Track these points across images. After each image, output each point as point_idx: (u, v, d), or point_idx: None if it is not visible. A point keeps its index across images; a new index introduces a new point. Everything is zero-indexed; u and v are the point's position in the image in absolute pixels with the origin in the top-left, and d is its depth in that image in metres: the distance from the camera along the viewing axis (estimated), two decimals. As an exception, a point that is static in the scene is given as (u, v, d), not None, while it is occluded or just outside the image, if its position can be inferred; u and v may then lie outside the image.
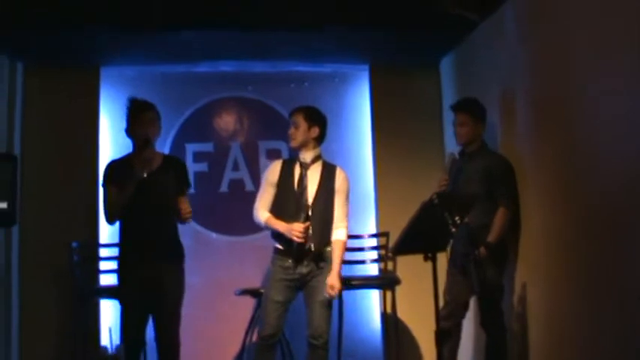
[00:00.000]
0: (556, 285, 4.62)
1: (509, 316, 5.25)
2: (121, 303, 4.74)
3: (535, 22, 4.91)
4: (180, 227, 6.30)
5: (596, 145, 4.09)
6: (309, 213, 4.84)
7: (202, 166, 6.54)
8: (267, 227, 4.98)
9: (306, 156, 4.96)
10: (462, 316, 5.08)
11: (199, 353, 6.12)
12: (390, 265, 6.06)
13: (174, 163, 4.95)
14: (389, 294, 5.83)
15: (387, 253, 6.01)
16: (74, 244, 5.73)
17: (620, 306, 3.88)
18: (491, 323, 4.95)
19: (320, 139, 5.01)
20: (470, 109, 5.13)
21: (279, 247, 4.91)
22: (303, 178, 4.93)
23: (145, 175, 4.58)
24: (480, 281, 4.59)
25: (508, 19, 5.30)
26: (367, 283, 6.01)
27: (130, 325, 4.67)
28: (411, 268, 5.28)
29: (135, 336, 4.68)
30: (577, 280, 4.36)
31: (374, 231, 6.50)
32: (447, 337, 4.80)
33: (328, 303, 4.88)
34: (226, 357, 6.23)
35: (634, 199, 3.71)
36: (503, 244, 4.97)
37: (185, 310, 6.18)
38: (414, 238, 4.23)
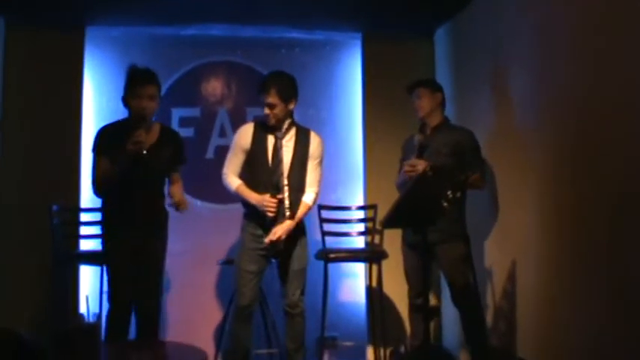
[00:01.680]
0: (547, 264, 4.56)
1: (497, 294, 5.21)
2: (111, 267, 4.64)
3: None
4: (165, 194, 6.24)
5: (599, 124, 3.99)
6: (285, 183, 4.77)
7: (188, 132, 6.41)
8: (236, 195, 4.90)
9: (282, 126, 4.86)
10: (428, 291, 5.03)
11: (182, 321, 6.07)
12: (377, 239, 5.97)
13: (171, 138, 4.83)
14: (375, 267, 5.74)
15: (375, 225, 5.92)
16: (54, 208, 5.59)
17: (611, 288, 3.83)
18: (461, 299, 4.94)
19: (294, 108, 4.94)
20: (423, 82, 5.20)
21: (249, 213, 4.83)
22: (278, 150, 4.83)
23: (144, 152, 4.45)
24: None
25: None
26: (353, 255, 5.92)
27: (120, 289, 4.59)
28: (398, 241, 5.21)
29: (125, 300, 4.59)
30: (568, 260, 4.30)
31: (362, 203, 6.41)
32: (422, 312, 4.76)
33: (303, 272, 4.83)
34: (209, 325, 6.18)
35: (633, 183, 3.64)
36: (461, 216, 4.93)
37: (169, 278, 6.15)
38: (405, 211, 4.15)
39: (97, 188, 4.63)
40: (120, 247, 4.58)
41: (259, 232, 4.82)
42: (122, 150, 4.42)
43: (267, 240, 4.76)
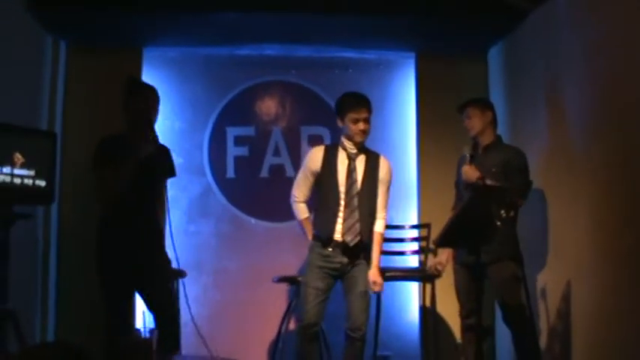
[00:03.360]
0: (601, 283, 4.51)
1: (551, 316, 5.16)
2: (107, 287, 4.63)
3: (590, 9, 4.75)
4: (220, 212, 6.33)
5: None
6: (356, 205, 4.77)
7: (243, 151, 6.49)
8: (299, 223, 4.95)
9: (356, 145, 4.87)
10: (481, 312, 4.99)
11: (235, 340, 6.10)
12: (430, 258, 5.94)
13: (165, 149, 4.86)
14: (428, 287, 5.72)
15: (428, 244, 5.91)
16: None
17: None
18: (512, 319, 4.91)
19: None
20: (473, 101, 5.19)
21: (318, 234, 4.84)
22: (352, 170, 4.84)
23: (151, 150, 4.52)
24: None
25: (561, 6, 5.16)
26: (407, 275, 5.91)
27: (120, 309, 4.64)
28: (452, 261, 5.19)
29: (125, 320, 4.67)
30: (624, 280, 4.24)
31: (415, 222, 6.40)
32: (474, 332, 4.85)
33: (367, 294, 4.80)
34: (262, 344, 6.19)
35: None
36: (514, 235, 4.87)
37: (221, 296, 6.21)
38: (459, 230, 4.15)
39: (105, 198, 4.62)
40: (117, 265, 4.58)
41: (327, 252, 4.80)
42: (127, 153, 4.48)
43: (370, 291, 4.80)
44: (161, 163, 4.69)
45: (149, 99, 4.66)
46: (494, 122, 5.13)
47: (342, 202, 4.79)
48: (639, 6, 4.11)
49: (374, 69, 6.74)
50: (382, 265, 5.69)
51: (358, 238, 4.77)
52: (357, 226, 4.77)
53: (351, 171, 4.83)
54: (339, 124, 4.90)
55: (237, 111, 6.57)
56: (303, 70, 6.67)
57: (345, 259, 4.77)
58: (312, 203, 4.98)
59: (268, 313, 6.27)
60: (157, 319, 4.65)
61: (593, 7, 4.70)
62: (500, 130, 5.22)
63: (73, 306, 5.94)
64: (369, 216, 4.83)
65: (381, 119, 6.56)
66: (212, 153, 6.42)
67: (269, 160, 6.52)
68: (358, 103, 4.84)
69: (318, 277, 4.78)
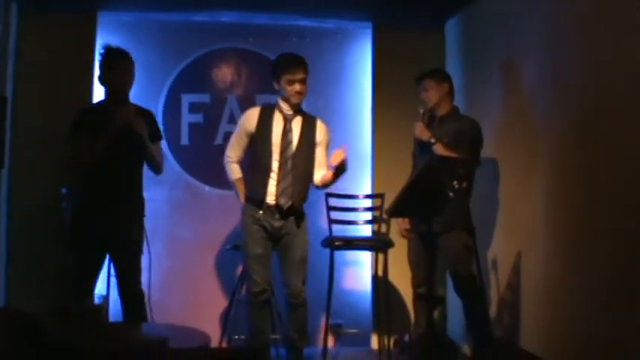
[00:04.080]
0: (552, 257, 4.57)
1: (502, 286, 5.23)
2: (76, 251, 4.67)
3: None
4: (173, 179, 6.30)
5: (608, 118, 3.99)
6: (290, 167, 4.77)
7: (198, 117, 6.44)
8: (232, 183, 4.96)
9: (292, 107, 4.87)
10: (433, 282, 5.05)
11: (188, 307, 6.11)
12: (383, 228, 5.99)
13: (145, 115, 4.85)
14: (381, 256, 5.77)
15: (382, 214, 5.94)
16: (63, 191, 5.63)
17: (615, 282, 3.84)
18: (463, 289, 4.98)
19: None
20: (429, 73, 5.21)
21: (250, 196, 4.85)
22: (288, 132, 4.83)
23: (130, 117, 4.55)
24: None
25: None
26: (359, 244, 5.94)
27: (85, 274, 4.64)
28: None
29: (89, 285, 4.66)
30: (574, 253, 4.31)
31: (369, 192, 6.42)
32: (426, 301, 4.93)
33: (303, 260, 4.84)
34: (215, 312, 6.20)
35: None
36: (466, 206, 4.93)
37: (175, 263, 6.20)
38: (411, 201, 4.17)
39: (79, 163, 4.67)
40: (88, 231, 4.61)
41: (258, 214, 4.81)
42: (103, 123, 4.51)
43: (331, 165, 4.76)
44: (138, 132, 4.67)
45: (126, 72, 4.68)
46: (450, 93, 5.15)
47: (277, 164, 4.80)
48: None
49: (331, 38, 6.71)
50: (335, 234, 5.74)
51: (290, 202, 4.77)
52: (291, 189, 4.77)
53: (286, 132, 4.82)
54: (275, 86, 4.92)
55: (193, 78, 6.51)
56: (260, 38, 6.62)
57: (278, 223, 4.78)
58: (244, 164, 5.02)
59: (221, 280, 6.29)
60: (123, 292, 4.70)
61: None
62: (457, 101, 5.25)
63: (24, 278, 5.85)
64: (304, 179, 4.85)
65: (337, 89, 6.58)
66: (166, 120, 6.35)
67: (224, 127, 6.47)
68: (293, 64, 4.84)
69: (256, 243, 4.80)
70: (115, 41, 6.18)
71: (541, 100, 4.80)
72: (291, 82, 4.80)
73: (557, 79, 4.60)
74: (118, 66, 4.66)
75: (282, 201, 4.77)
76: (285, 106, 4.88)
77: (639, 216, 3.63)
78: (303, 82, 4.82)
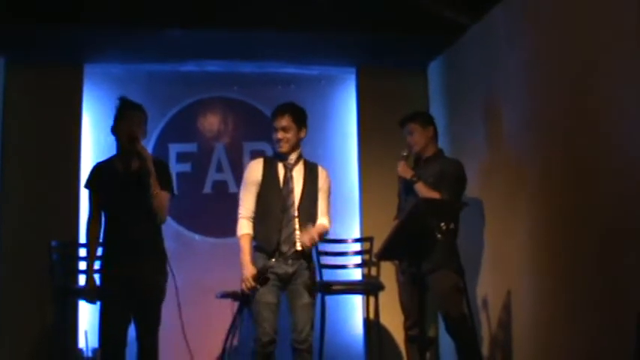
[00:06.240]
0: (540, 293, 4.60)
1: (493, 324, 5.24)
2: (102, 301, 4.63)
3: (527, 25, 4.87)
4: (163, 229, 6.28)
5: (587, 157, 4.06)
6: (295, 214, 4.78)
7: (185, 167, 6.48)
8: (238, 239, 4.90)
9: (292, 156, 4.88)
10: (425, 323, 5.05)
11: (179, 357, 6.05)
12: (373, 271, 6.00)
13: (157, 165, 4.86)
14: (372, 299, 5.78)
15: (371, 258, 5.95)
16: (54, 243, 5.65)
17: (605, 314, 3.86)
18: (455, 329, 4.96)
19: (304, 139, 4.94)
20: (414, 117, 5.21)
21: (259, 245, 4.82)
22: (288, 180, 4.85)
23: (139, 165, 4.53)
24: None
25: (499, 22, 5.27)
26: (350, 288, 5.95)
27: (111, 324, 4.58)
28: (395, 273, 5.25)
29: (116, 336, 4.60)
30: (562, 288, 4.34)
31: (358, 235, 6.45)
32: (418, 343, 4.85)
33: (311, 305, 4.80)
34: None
35: (620, 214, 3.70)
36: (454, 247, 4.93)
37: (164, 312, 6.15)
38: (399, 244, 4.19)
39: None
40: (113, 281, 4.57)
41: (270, 262, 4.71)
42: (113, 175, 4.54)
43: (302, 245, 4.69)
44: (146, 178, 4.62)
45: (135, 122, 4.66)
46: (435, 137, 5.19)
47: (280, 212, 4.79)
48: (574, 21, 4.23)
49: (316, 84, 6.79)
50: (325, 279, 5.74)
51: (294, 249, 4.78)
52: (295, 235, 4.78)
53: (287, 180, 4.84)
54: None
55: (180, 127, 6.56)
56: (246, 87, 6.69)
57: (289, 269, 4.76)
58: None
59: (213, 329, 6.24)
60: (140, 339, 4.65)
61: (531, 22, 4.81)
62: (441, 142, 5.28)
63: (13, 332, 5.84)
64: (309, 225, 4.85)
65: (323, 134, 6.61)
66: (154, 170, 6.36)
67: (212, 176, 6.51)
68: (275, 112, 4.85)
69: (267, 292, 4.74)
70: (102, 93, 6.31)
71: (521, 141, 4.86)
72: (275, 130, 4.83)
73: (535, 121, 4.67)
74: (129, 116, 4.66)
75: (285, 248, 4.76)
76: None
77: (620, 251, 3.67)
78: (285, 130, 4.81)
